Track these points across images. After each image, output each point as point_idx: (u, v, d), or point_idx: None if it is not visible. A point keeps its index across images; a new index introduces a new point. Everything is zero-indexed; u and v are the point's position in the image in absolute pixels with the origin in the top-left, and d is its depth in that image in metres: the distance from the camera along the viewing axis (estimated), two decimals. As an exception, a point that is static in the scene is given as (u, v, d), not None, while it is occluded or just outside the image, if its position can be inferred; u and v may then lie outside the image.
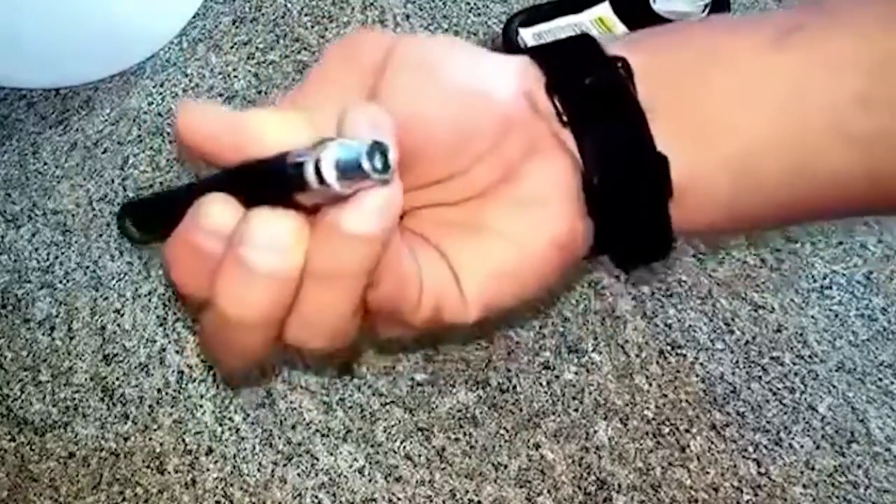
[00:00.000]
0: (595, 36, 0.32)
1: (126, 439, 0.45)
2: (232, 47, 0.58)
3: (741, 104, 0.31)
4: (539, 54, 0.32)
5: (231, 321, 0.26)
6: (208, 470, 0.44)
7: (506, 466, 0.44)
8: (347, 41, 0.30)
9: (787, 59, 0.30)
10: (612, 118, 0.30)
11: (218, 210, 0.26)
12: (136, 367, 0.47)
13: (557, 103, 0.30)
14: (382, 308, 0.29)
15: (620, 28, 0.57)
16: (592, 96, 0.30)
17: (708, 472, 0.44)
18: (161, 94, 0.56)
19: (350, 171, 0.24)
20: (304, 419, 0.45)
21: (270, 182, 0.26)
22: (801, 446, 0.45)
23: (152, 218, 0.30)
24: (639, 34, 0.33)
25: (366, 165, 0.24)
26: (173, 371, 0.47)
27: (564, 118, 0.30)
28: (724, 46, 0.31)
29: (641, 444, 0.44)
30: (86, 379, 0.47)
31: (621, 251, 0.33)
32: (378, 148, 0.25)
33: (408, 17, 0.62)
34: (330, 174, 0.24)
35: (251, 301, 0.26)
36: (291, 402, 0.46)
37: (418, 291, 0.30)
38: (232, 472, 0.44)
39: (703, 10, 0.58)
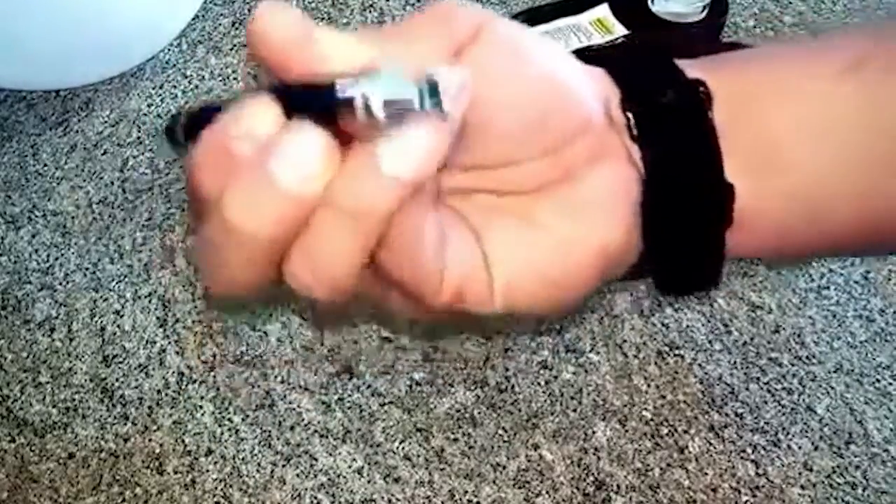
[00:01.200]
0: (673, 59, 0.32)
1: (126, 440, 0.45)
2: (231, 49, 0.58)
3: (808, 136, 0.30)
4: (616, 68, 0.31)
5: (234, 230, 0.25)
6: (208, 471, 0.44)
7: (504, 467, 0.44)
8: (440, 7, 0.28)
9: (855, 91, 0.30)
10: (685, 140, 0.30)
11: (258, 113, 0.25)
12: (135, 369, 0.47)
13: (631, 118, 0.30)
14: (398, 276, 0.28)
15: (619, 30, 0.57)
16: (668, 115, 0.30)
17: (706, 473, 0.44)
18: (161, 95, 0.56)
19: (400, 108, 0.23)
20: (303, 420, 0.45)
21: (317, 101, 0.25)
22: (800, 447, 0.45)
23: (203, 126, 0.28)
24: (711, 60, 0.32)
25: (417, 105, 0.23)
26: (173, 372, 0.47)
27: (635, 133, 0.30)
28: (794, 76, 0.31)
29: (640, 445, 0.45)
30: (85, 380, 0.47)
31: (668, 275, 0.32)
32: (433, 88, 0.24)
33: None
34: (378, 109, 0.23)
35: (260, 213, 0.25)
36: (290, 403, 0.46)
37: (440, 269, 0.28)
38: (231, 473, 0.44)
39: (702, 12, 0.58)
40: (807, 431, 0.45)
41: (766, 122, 0.31)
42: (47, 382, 0.47)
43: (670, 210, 0.30)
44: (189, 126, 0.29)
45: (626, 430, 0.45)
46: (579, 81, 0.30)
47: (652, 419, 0.45)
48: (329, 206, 0.25)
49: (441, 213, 0.29)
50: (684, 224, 0.31)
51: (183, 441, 0.45)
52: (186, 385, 0.46)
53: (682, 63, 0.31)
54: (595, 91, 0.30)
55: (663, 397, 0.46)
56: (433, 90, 0.24)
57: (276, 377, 0.47)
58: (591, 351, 0.47)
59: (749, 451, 0.44)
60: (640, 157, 0.30)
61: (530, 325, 0.48)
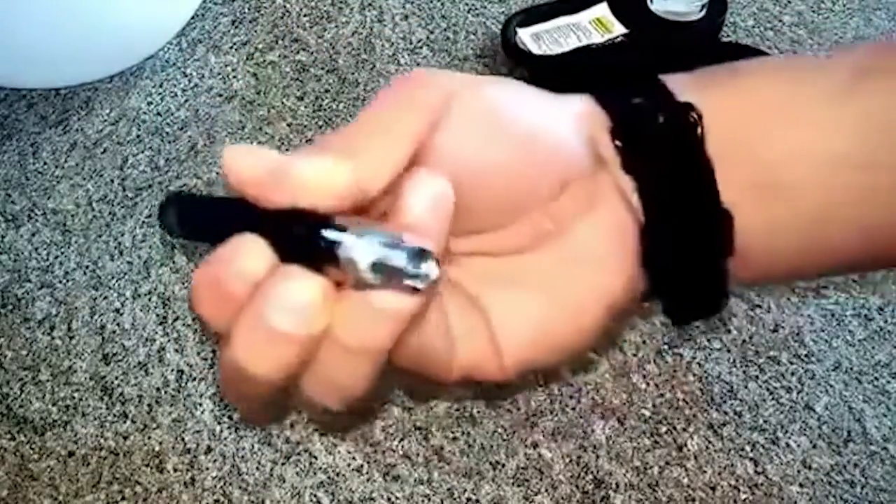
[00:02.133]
0: (661, 78, 0.31)
1: (125, 438, 0.45)
2: (231, 48, 0.58)
3: (809, 161, 0.29)
4: (605, 97, 0.30)
5: (245, 371, 0.26)
6: (207, 469, 0.44)
7: (503, 465, 0.44)
8: (404, 82, 0.28)
9: (856, 111, 0.29)
10: (677, 169, 0.29)
11: (250, 257, 0.25)
12: (135, 366, 0.47)
13: (621, 149, 0.29)
14: (407, 366, 0.28)
15: (618, 28, 0.57)
16: (658, 144, 0.29)
17: (705, 471, 0.44)
18: (160, 94, 0.57)
19: (387, 271, 0.23)
20: (303, 418, 0.45)
21: (303, 246, 0.25)
22: (798, 445, 0.45)
23: (195, 219, 0.30)
24: (703, 77, 0.31)
25: (407, 270, 0.23)
26: (172, 370, 0.47)
27: (627, 165, 0.29)
28: (792, 98, 0.30)
29: (639, 443, 0.45)
30: (85, 378, 0.47)
31: (674, 304, 0.32)
32: (424, 256, 0.24)
33: (406, 17, 0.62)
34: (366, 271, 0.24)
35: (266, 358, 0.25)
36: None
37: (448, 352, 0.29)
38: (231, 471, 0.44)
39: (701, 11, 0.58)
40: (805, 429, 0.45)
41: (765, 147, 0.30)
42: (47, 380, 0.47)
43: (669, 242, 0.30)
44: (182, 215, 0.29)
45: (625, 429, 0.45)
46: (557, 134, 0.29)
47: (651, 417, 0.45)
48: (333, 343, 0.25)
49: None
50: (685, 255, 0.30)
51: (182, 439, 0.45)
52: (186, 383, 0.47)
53: (673, 82, 0.30)
54: (577, 135, 0.29)
55: (662, 395, 0.46)
56: (422, 251, 0.24)
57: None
58: (591, 351, 0.47)
59: (748, 449, 0.45)
60: (635, 189, 0.29)
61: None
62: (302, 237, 0.25)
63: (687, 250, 0.30)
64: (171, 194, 0.31)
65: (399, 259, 0.23)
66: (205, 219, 0.29)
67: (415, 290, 0.24)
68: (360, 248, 0.24)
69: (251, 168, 0.26)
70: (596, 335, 0.30)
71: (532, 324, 0.30)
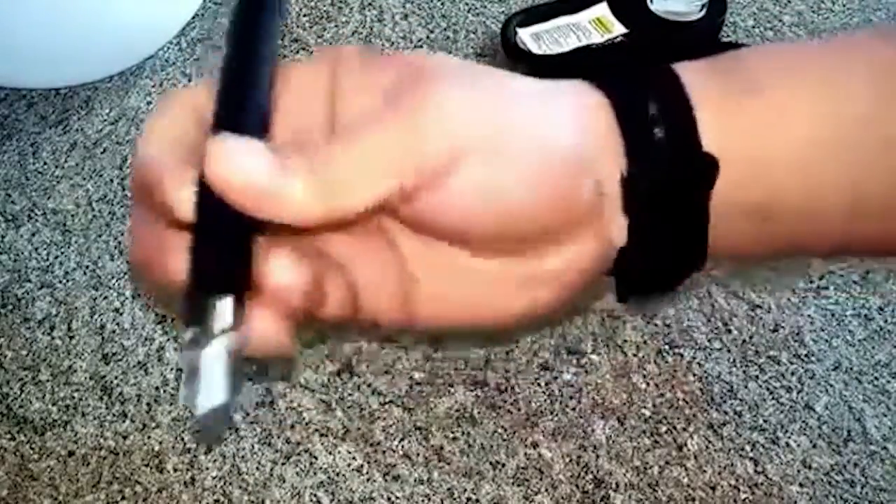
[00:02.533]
0: (679, 77, 0.29)
1: (125, 438, 0.45)
2: (231, 47, 0.58)
3: (810, 185, 0.29)
4: (619, 101, 0.29)
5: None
6: (207, 469, 0.44)
7: (504, 465, 0.44)
8: (409, 129, 0.27)
9: (869, 140, 0.29)
10: (677, 216, 0.29)
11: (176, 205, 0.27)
12: (135, 366, 0.47)
13: (626, 195, 0.29)
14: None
15: (618, 28, 0.57)
16: (667, 198, 0.29)
17: (705, 471, 0.44)
18: (160, 94, 0.57)
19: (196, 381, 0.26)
20: (303, 418, 0.45)
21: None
22: (798, 445, 0.45)
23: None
24: (725, 98, 0.29)
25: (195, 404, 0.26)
26: (172, 369, 0.47)
27: (627, 207, 0.29)
28: (804, 134, 0.29)
29: (639, 443, 0.45)
30: (85, 378, 0.47)
31: (630, 288, 0.32)
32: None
33: (406, 16, 0.62)
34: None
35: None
36: (290, 402, 0.46)
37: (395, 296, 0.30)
38: (231, 471, 0.44)
39: (700, 11, 0.58)
40: (805, 429, 0.45)
41: (765, 185, 0.29)
42: (47, 380, 0.47)
43: (642, 264, 0.30)
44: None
45: (626, 429, 0.45)
46: (563, 191, 0.28)
47: (651, 417, 0.45)
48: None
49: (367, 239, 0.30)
50: (654, 271, 0.31)
51: (182, 439, 0.45)
52: (186, 383, 0.47)
53: (691, 87, 0.29)
54: (580, 183, 0.28)
55: (662, 395, 0.46)
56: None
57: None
58: (592, 352, 0.47)
59: (748, 448, 0.45)
60: (626, 226, 0.29)
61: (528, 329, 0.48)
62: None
63: (659, 270, 0.31)
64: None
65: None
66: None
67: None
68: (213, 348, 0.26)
69: (239, 174, 0.26)
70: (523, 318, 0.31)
71: (456, 310, 0.30)
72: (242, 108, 0.27)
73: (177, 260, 0.27)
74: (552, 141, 0.28)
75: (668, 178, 0.29)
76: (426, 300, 0.30)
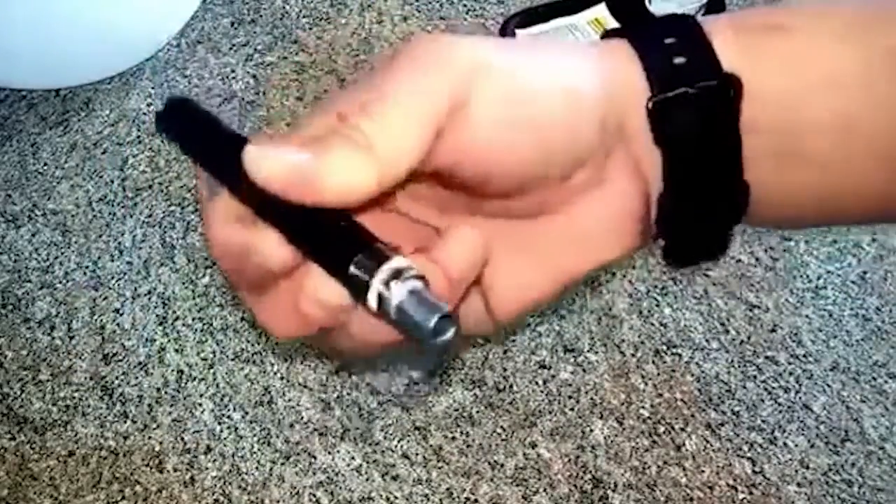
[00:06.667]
0: (703, 27, 0.29)
1: (125, 438, 0.45)
2: (230, 49, 0.59)
3: (835, 132, 0.29)
4: (644, 48, 0.29)
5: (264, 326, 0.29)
6: (207, 468, 0.44)
7: (502, 465, 0.44)
8: (432, 51, 0.28)
9: (888, 86, 0.29)
10: (708, 146, 0.29)
11: (271, 251, 0.27)
12: (135, 367, 0.47)
13: (655, 127, 0.29)
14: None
15: (617, 29, 0.57)
16: (696, 122, 0.29)
17: (703, 471, 0.44)
18: (160, 95, 0.57)
19: (411, 322, 0.24)
20: (303, 418, 0.45)
21: (332, 269, 0.26)
22: (796, 445, 0.45)
23: (195, 136, 0.30)
24: (747, 35, 0.30)
25: (429, 331, 0.24)
26: (172, 370, 0.47)
27: (658, 139, 0.29)
28: (833, 67, 0.29)
29: (637, 443, 0.45)
30: (85, 378, 0.47)
31: (675, 252, 0.33)
32: (448, 323, 0.24)
33: (405, 18, 0.62)
34: (391, 311, 0.24)
35: (288, 328, 0.28)
36: (289, 401, 0.46)
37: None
38: (230, 471, 0.44)
39: (698, 12, 0.58)
40: (803, 429, 0.45)
41: (793, 121, 0.29)
42: (47, 380, 0.47)
43: (685, 212, 0.30)
44: (169, 117, 0.30)
45: (624, 429, 0.45)
46: (580, 112, 0.29)
47: (649, 417, 0.45)
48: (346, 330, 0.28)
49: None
50: (700, 221, 0.31)
51: (182, 439, 0.45)
52: (186, 383, 0.47)
53: (715, 35, 0.29)
54: (602, 104, 0.29)
55: (660, 396, 0.46)
56: (447, 318, 0.24)
57: (275, 374, 0.47)
58: (589, 350, 0.47)
59: (746, 448, 0.45)
60: (661, 155, 0.29)
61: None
62: (329, 258, 0.26)
63: (702, 218, 0.31)
64: (175, 100, 0.31)
65: (426, 320, 0.24)
66: (204, 141, 0.29)
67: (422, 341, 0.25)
68: (390, 297, 0.24)
69: (275, 170, 0.26)
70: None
71: (522, 289, 0.31)
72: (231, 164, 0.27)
73: (345, 319, 0.27)
74: (573, 63, 0.29)
75: (692, 102, 0.29)
76: (501, 301, 0.31)
